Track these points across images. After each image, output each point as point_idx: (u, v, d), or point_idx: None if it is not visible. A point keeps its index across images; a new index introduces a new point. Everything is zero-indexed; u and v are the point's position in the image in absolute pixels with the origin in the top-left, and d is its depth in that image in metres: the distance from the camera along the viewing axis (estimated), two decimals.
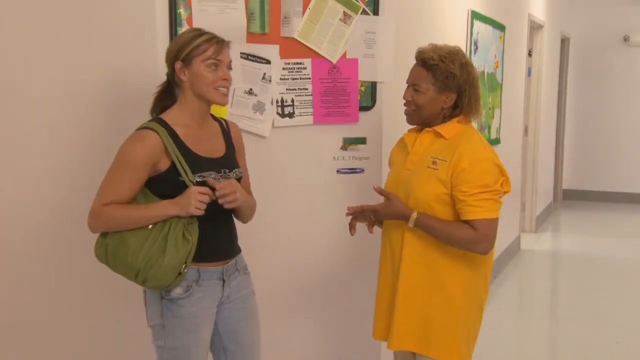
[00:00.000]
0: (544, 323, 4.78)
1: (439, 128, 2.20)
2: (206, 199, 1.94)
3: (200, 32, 2.02)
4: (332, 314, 2.87)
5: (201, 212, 1.94)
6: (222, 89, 2.02)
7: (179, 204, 1.93)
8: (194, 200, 1.91)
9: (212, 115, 2.15)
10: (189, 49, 1.98)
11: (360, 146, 2.83)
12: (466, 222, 2.09)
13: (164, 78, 2.38)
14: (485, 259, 2.21)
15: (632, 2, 8.78)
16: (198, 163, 1.99)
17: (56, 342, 2.25)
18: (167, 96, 2.09)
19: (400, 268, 2.21)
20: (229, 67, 2.05)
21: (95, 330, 2.35)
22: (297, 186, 2.73)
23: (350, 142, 2.82)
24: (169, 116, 2.03)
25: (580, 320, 4.68)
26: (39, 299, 2.19)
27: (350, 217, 2.32)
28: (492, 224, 2.10)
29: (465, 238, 2.09)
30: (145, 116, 2.13)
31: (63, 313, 2.26)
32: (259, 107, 2.61)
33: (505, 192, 2.16)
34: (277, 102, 2.65)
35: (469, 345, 2.23)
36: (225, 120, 2.21)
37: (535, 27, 6.83)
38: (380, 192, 2.22)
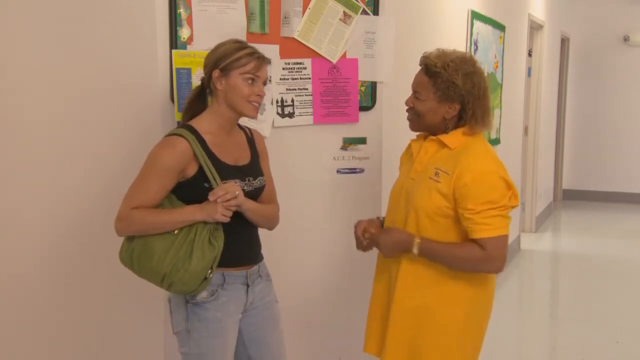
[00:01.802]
0: (544, 323, 4.78)
1: (443, 137, 2.09)
2: (233, 207, 1.96)
3: (242, 45, 2.05)
4: (332, 318, 2.86)
5: (227, 219, 1.96)
6: (254, 103, 2.05)
7: (205, 210, 1.95)
8: (221, 207, 1.93)
9: (238, 124, 2.17)
10: (230, 60, 2.00)
11: (360, 146, 2.82)
12: (474, 240, 1.99)
13: (164, 78, 2.38)
14: (487, 275, 2.13)
15: (632, 2, 8.77)
16: (224, 170, 2.01)
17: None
18: (199, 100, 2.11)
19: (396, 285, 2.14)
20: (264, 83, 2.07)
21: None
22: (297, 186, 2.73)
23: (350, 142, 2.82)
24: (198, 123, 2.04)
25: (580, 320, 4.68)
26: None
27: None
28: (502, 241, 1.99)
29: (474, 258, 1.98)
30: (146, 117, 2.13)
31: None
32: (259, 107, 2.60)
33: (512, 207, 2.05)
34: (277, 102, 2.65)
35: None
36: (249, 129, 2.23)
37: (535, 27, 6.83)
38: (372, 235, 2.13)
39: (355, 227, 2.22)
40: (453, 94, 2.04)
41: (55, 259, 2.20)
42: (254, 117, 2.08)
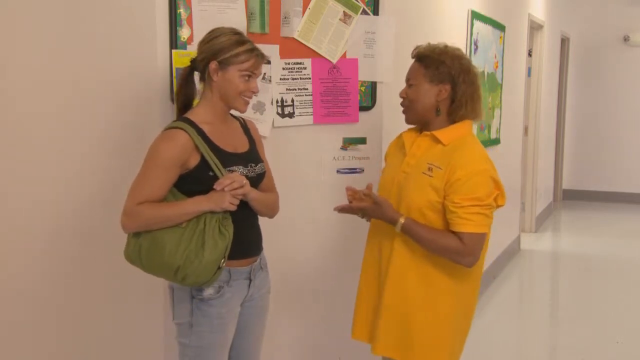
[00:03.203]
0: (543, 323, 4.78)
1: (437, 133, 2.15)
2: (240, 196, 1.97)
3: (242, 39, 2.04)
4: (332, 317, 2.86)
5: (234, 208, 1.96)
6: (247, 98, 2.07)
7: (212, 200, 1.95)
8: (229, 195, 1.94)
9: (231, 114, 2.19)
10: (229, 54, 2.00)
11: (360, 146, 2.83)
12: (454, 233, 2.06)
13: (164, 78, 2.38)
14: (475, 269, 2.17)
15: (632, 2, 8.78)
16: (226, 158, 2.02)
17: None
18: (188, 82, 2.11)
19: (388, 273, 2.18)
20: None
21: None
22: (296, 186, 2.73)
23: (350, 142, 2.82)
24: (193, 115, 2.06)
25: (580, 320, 4.68)
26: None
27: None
28: (480, 238, 2.06)
29: (451, 248, 2.05)
30: (146, 117, 2.13)
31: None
32: (259, 107, 2.61)
33: (499, 206, 2.11)
34: (277, 102, 2.65)
35: (453, 356, 2.20)
36: (242, 118, 2.24)
37: (535, 27, 6.83)
38: (369, 195, 2.17)
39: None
40: (443, 72, 2.12)
41: (56, 258, 2.21)
42: (243, 111, 2.11)
